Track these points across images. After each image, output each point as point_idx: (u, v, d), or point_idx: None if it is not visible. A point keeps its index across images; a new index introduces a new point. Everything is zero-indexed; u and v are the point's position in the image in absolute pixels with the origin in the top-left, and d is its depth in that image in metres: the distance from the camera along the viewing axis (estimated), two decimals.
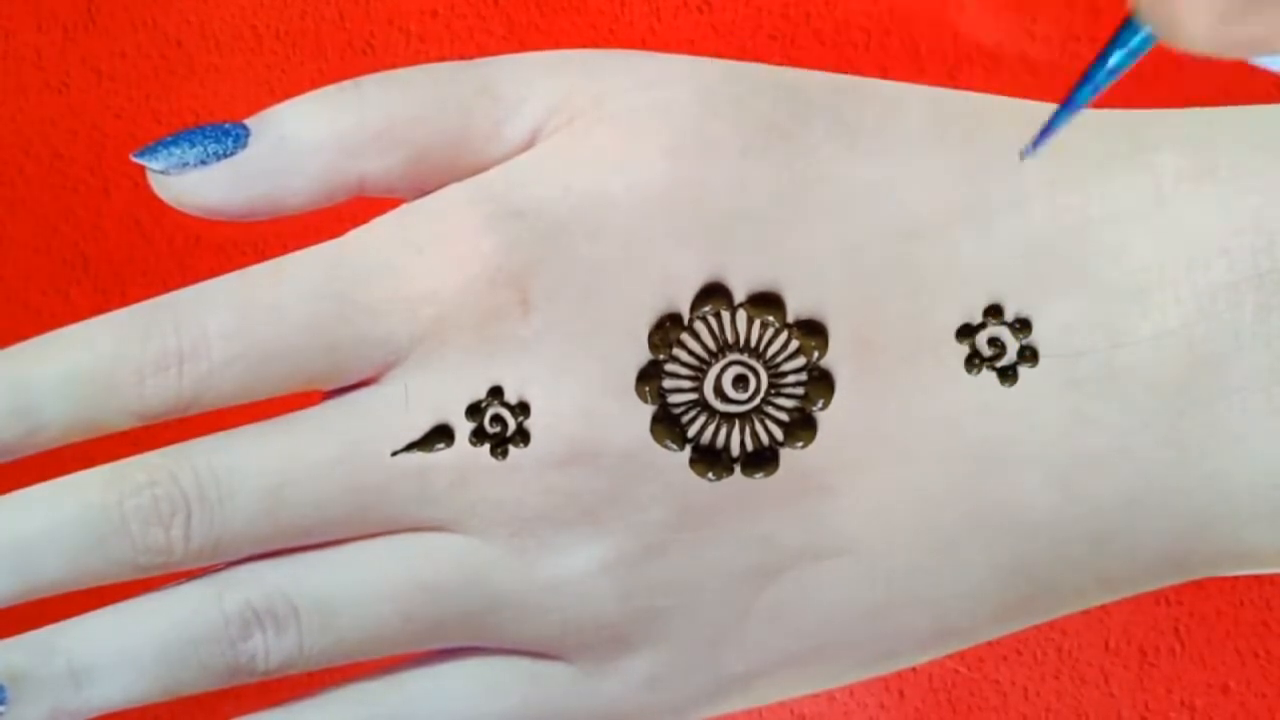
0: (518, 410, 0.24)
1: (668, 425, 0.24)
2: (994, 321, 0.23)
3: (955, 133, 0.23)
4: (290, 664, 0.24)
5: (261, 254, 0.24)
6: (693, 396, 0.24)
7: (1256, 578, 0.34)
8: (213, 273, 0.24)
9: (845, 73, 0.24)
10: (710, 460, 0.24)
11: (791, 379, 0.24)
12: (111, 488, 0.24)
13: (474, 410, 0.24)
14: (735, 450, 0.24)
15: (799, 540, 0.24)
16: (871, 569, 0.24)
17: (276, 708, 0.25)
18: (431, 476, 0.24)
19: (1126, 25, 0.17)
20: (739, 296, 0.23)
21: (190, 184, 0.23)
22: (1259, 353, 0.22)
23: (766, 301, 0.23)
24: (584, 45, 0.36)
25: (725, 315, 0.23)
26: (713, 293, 0.23)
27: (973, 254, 0.23)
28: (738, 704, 0.25)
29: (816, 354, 0.23)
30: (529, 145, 0.24)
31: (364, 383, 0.24)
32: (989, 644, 0.35)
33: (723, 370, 0.24)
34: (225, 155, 0.23)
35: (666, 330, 0.23)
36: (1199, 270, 0.22)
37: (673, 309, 0.23)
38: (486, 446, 0.24)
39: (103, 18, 0.37)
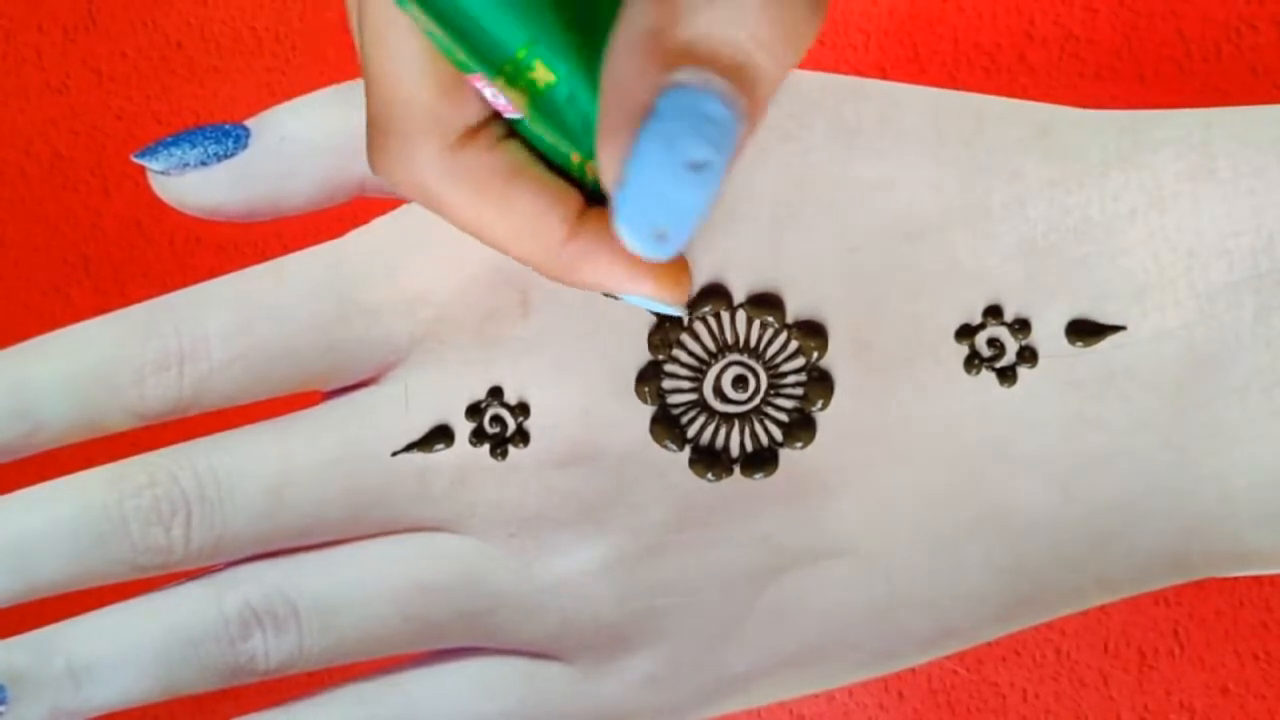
0: (517, 411, 0.24)
1: (667, 425, 0.24)
2: (993, 322, 0.23)
3: (955, 133, 0.23)
4: (290, 664, 0.24)
5: (261, 254, 0.24)
6: (692, 397, 0.24)
7: (1256, 578, 0.34)
8: (213, 273, 0.24)
9: (845, 73, 0.24)
10: (710, 460, 0.24)
11: (791, 379, 0.24)
12: (112, 488, 0.24)
13: (474, 411, 0.24)
14: (735, 450, 0.24)
15: (798, 540, 0.24)
16: (871, 569, 0.24)
17: (276, 708, 0.25)
18: (431, 477, 0.24)
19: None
20: (738, 297, 0.23)
21: (190, 185, 0.23)
22: (1259, 353, 0.22)
23: (766, 302, 0.23)
24: None
25: (725, 316, 0.23)
26: (712, 293, 0.23)
27: (972, 254, 0.23)
28: (737, 704, 0.25)
29: (816, 354, 0.23)
30: None
31: (364, 383, 0.24)
32: (988, 645, 0.35)
33: (722, 371, 0.24)
34: (226, 156, 0.23)
35: (666, 331, 0.23)
36: (1199, 271, 0.22)
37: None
38: (486, 447, 0.24)
39: (103, 18, 0.37)
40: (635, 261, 0.19)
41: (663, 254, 0.15)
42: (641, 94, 0.15)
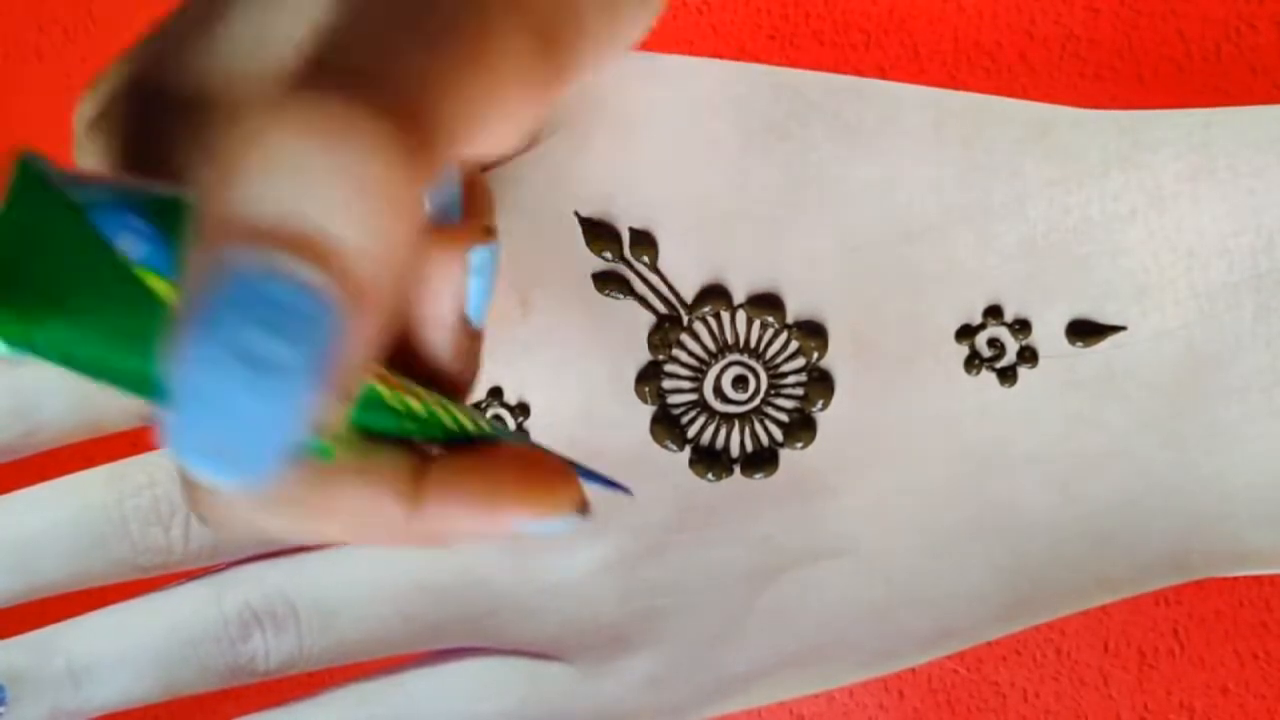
0: (518, 411, 0.24)
1: (667, 426, 0.24)
2: (993, 322, 0.23)
3: (955, 133, 0.23)
4: (290, 664, 0.24)
5: None
6: (692, 397, 0.24)
7: (1256, 578, 0.34)
8: None
9: (845, 73, 0.24)
10: (710, 460, 0.24)
11: (791, 379, 0.24)
12: (111, 488, 0.24)
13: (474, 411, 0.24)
14: (735, 451, 0.24)
15: (799, 540, 0.24)
16: (871, 569, 0.24)
17: (276, 708, 0.25)
18: None
19: None
20: (739, 297, 0.23)
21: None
22: (1259, 353, 0.22)
23: (766, 302, 0.23)
24: None
25: (725, 316, 0.23)
26: (712, 293, 0.23)
27: (972, 255, 0.23)
28: (737, 704, 0.25)
29: (816, 355, 0.23)
30: (528, 146, 0.24)
31: None
32: (988, 645, 0.34)
33: (722, 371, 0.24)
34: None
35: (666, 331, 0.23)
36: (1198, 271, 0.22)
37: (672, 310, 0.23)
38: None
39: (103, 18, 0.37)
40: (495, 499, 0.16)
41: (232, 477, 0.12)
42: (196, 282, 0.12)
